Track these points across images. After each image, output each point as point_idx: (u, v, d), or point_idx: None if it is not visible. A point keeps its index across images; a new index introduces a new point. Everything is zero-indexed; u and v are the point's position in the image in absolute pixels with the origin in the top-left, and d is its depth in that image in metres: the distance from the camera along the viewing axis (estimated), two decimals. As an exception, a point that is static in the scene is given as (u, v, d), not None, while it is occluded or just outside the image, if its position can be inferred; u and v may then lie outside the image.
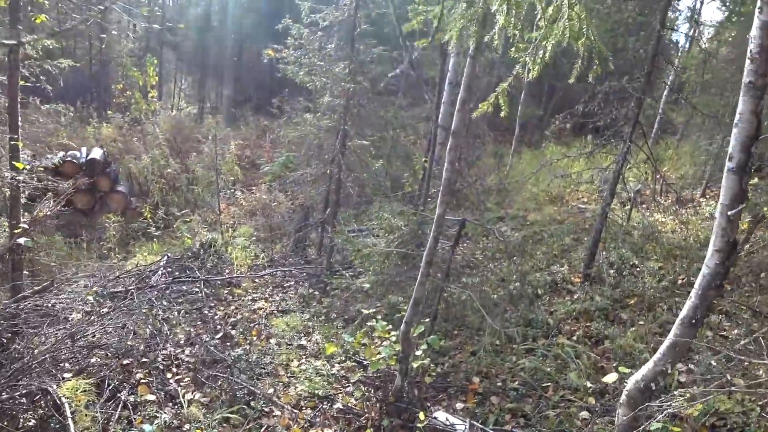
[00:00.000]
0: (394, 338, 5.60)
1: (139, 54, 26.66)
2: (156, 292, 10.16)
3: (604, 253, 9.04)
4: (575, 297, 8.49)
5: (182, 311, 9.52)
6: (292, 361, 7.67)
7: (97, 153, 15.90)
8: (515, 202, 14.20)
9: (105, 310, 8.99)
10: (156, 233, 14.20)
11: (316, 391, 6.62)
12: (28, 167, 7.56)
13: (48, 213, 8.60)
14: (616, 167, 8.16)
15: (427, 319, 6.29)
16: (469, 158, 10.87)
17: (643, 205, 13.08)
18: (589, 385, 6.09)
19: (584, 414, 5.70)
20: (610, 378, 4.06)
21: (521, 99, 16.12)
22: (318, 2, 9.20)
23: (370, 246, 6.66)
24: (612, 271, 8.82)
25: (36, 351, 6.92)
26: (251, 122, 22.00)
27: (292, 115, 11.17)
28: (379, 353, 5.43)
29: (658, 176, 9.80)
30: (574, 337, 7.34)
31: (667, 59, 8.54)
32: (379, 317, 6.01)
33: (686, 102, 10.18)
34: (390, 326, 5.83)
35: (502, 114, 4.84)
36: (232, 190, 15.26)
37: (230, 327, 8.94)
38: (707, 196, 13.55)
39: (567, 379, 6.34)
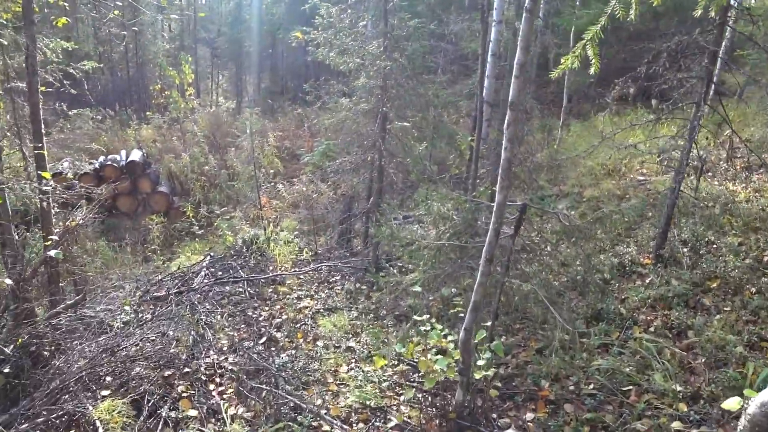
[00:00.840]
0: (452, 345, 4.86)
1: (175, 54, 26.39)
2: (199, 295, 9.70)
3: (675, 230, 8.07)
4: (648, 281, 7.56)
5: (225, 314, 9.01)
6: (341, 366, 7.03)
7: (136, 155, 15.59)
8: (568, 178, 13.22)
9: (148, 316, 8.59)
10: (199, 232, 13.77)
11: (368, 402, 5.95)
12: (49, 177, 7.04)
13: (81, 222, 8.17)
14: (689, 133, 7.15)
15: (488, 323, 5.52)
16: (519, 133, 9.97)
17: (709, 174, 11.94)
18: (677, 388, 5.22)
19: (677, 425, 4.83)
20: (732, 404, 3.19)
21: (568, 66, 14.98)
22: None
23: (418, 239, 5.89)
24: (686, 250, 7.84)
25: (74, 367, 6.51)
26: (289, 112, 21.43)
27: (327, 101, 10.45)
28: (435, 363, 4.70)
29: (736, 140, 8.70)
30: (652, 329, 6.45)
31: (740, 7, 7.43)
32: (432, 320, 5.27)
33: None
34: (445, 330, 5.10)
35: (592, 69, 3.95)
36: (273, 183, 14.70)
37: (275, 329, 8.36)
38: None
39: (651, 381, 5.47)
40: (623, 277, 7.89)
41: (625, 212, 6.78)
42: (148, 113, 22.19)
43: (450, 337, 4.99)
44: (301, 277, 10.28)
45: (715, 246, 8.20)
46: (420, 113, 8.12)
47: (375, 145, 8.14)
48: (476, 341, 4.70)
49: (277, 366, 6.82)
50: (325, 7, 7.99)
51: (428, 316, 5.39)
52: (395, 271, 7.31)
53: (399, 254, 6.16)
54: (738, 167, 12.17)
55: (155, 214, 14.69)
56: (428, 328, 5.02)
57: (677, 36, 6.78)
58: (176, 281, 10.49)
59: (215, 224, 12.78)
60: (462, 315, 5.41)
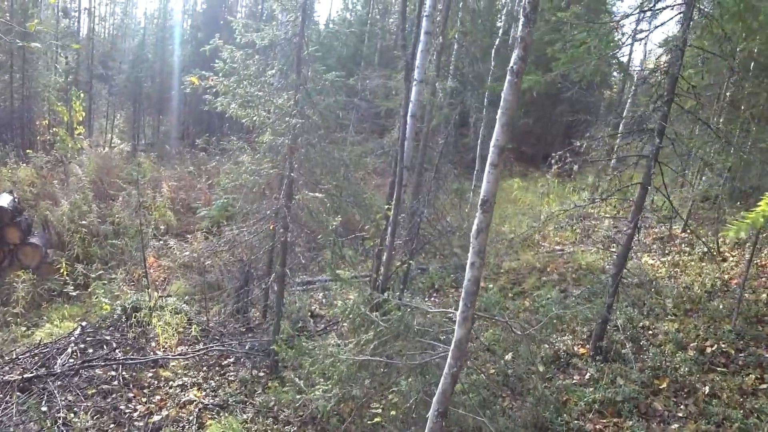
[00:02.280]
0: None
1: (67, 88, 23.88)
2: (60, 382, 7.82)
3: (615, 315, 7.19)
4: (587, 377, 6.56)
5: (91, 410, 7.20)
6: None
7: (5, 200, 13.26)
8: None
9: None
10: (74, 293, 11.67)
11: None
12: None
13: None
14: (633, 215, 6.30)
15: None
16: (430, 195, 8.96)
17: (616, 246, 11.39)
18: None
19: None
20: None
21: (482, 125, 14.30)
22: (255, 20, 7.14)
23: (331, 352, 4.53)
24: (623, 338, 6.94)
25: None
26: (188, 160, 19.52)
27: (225, 159, 8.99)
28: None
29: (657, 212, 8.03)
30: (605, 445, 5.40)
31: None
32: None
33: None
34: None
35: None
36: (164, 240, 12.86)
37: (152, 433, 6.67)
38: (687, 231, 11.90)
39: None
40: (559, 370, 6.86)
41: (579, 313, 5.79)
42: (28, 151, 19.62)
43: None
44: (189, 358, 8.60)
45: (651, 332, 7.39)
46: (334, 179, 6.85)
47: (279, 213, 6.78)
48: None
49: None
50: (229, 50, 6.64)
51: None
52: (298, 380, 5.80)
53: (306, 366, 4.78)
54: (651, 239, 11.74)
55: (24, 269, 12.43)
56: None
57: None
58: (36, 359, 8.52)
59: (92, 287, 10.80)
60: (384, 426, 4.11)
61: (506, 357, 6.33)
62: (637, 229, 6.40)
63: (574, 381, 6.59)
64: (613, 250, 10.60)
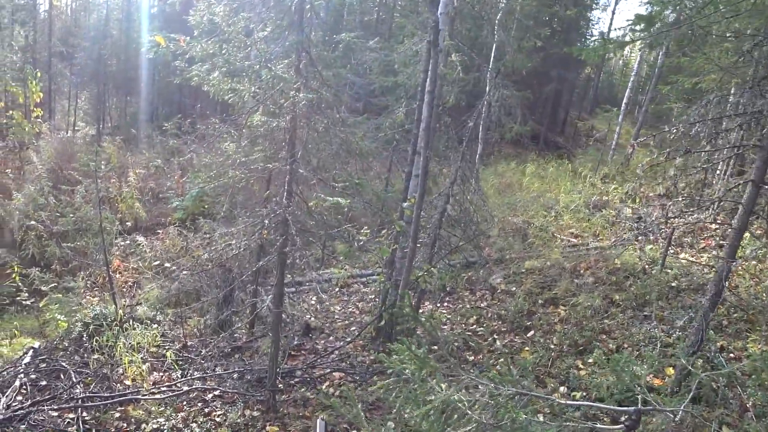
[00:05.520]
0: None
1: (23, 68, 21.45)
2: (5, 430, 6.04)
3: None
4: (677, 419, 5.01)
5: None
6: None
7: (-55, 195, 11.27)
8: (487, 235, 10.67)
9: None
10: (28, 301, 9.72)
11: None
12: None
13: None
14: (746, 204, 4.69)
15: None
16: (454, 188, 7.30)
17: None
18: None
19: None
20: None
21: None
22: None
23: None
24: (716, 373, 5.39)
25: None
26: (158, 144, 17.42)
27: (202, 147, 7.17)
28: None
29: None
30: None
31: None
32: None
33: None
34: None
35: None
36: (131, 238, 10.95)
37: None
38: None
39: None
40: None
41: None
42: (-22, 137, 17.41)
43: None
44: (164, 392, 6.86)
45: (735, 358, 5.89)
46: (347, 175, 5.10)
47: (277, 217, 5.06)
48: None
49: None
50: (206, 2, 4.78)
51: None
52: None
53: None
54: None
55: (-31, 274, 10.53)
56: None
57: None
58: (-26, 396, 6.70)
59: (43, 301, 8.94)
60: None
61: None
62: (740, 236, 4.82)
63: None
64: (651, 246, 9.14)
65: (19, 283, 9.84)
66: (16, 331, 8.90)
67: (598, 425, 3.67)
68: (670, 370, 6.04)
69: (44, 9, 26.15)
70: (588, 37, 26.66)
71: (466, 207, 7.60)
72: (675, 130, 4.71)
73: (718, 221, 8.09)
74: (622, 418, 5.16)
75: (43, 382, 7.03)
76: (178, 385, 6.86)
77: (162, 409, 6.43)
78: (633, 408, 3.32)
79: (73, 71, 24.36)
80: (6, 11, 23.36)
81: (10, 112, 17.49)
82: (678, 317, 6.72)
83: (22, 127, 15.95)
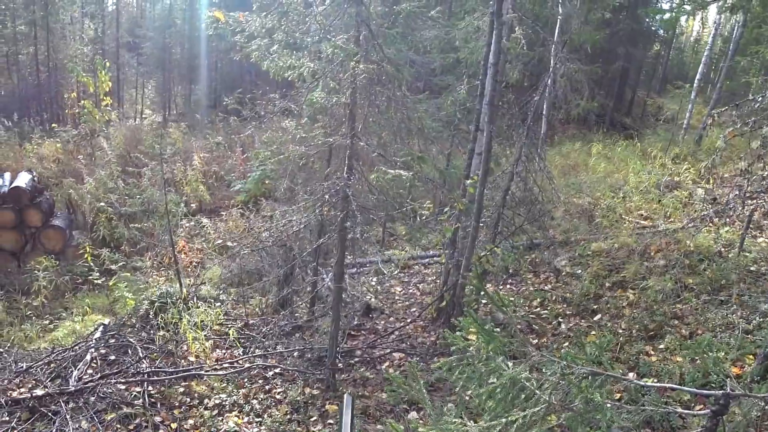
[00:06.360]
0: None
1: (93, 58, 22.24)
2: (74, 404, 6.24)
3: None
4: None
5: (108, 441, 5.62)
6: None
7: (23, 179, 11.73)
8: (551, 217, 10.29)
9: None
10: (100, 280, 10.06)
11: None
12: None
13: None
14: None
15: None
16: (518, 166, 7.02)
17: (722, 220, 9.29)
18: None
19: None
20: None
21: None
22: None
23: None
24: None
25: None
26: (221, 129, 17.75)
27: (263, 125, 7.15)
28: None
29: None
30: None
31: None
32: None
33: None
34: None
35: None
36: (195, 220, 11.17)
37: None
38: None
39: None
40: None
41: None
42: (53, 125, 18.12)
43: None
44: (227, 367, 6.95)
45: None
46: (408, 152, 4.95)
47: (338, 193, 4.97)
48: None
49: None
50: (264, -28, 4.72)
51: None
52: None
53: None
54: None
55: (48, 254, 10.94)
56: None
57: None
58: (50, 369, 6.97)
59: (112, 280, 9.21)
60: None
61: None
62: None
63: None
64: (727, 229, 8.61)
65: (91, 263, 10.23)
66: (88, 309, 9.21)
67: (679, 409, 3.43)
68: (750, 358, 5.67)
69: (112, 2, 27.10)
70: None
71: (530, 186, 7.35)
72: (761, 98, 4.33)
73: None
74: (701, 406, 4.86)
75: (112, 357, 7.24)
76: (240, 362, 6.93)
77: (224, 385, 6.50)
78: (721, 392, 3.05)
79: (140, 61, 25.11)
80: (77, 5, 24.30)
81: (82, 101, 18.14)
82: (761, 301, 6.29)
83: (93, 115, 16.49)
